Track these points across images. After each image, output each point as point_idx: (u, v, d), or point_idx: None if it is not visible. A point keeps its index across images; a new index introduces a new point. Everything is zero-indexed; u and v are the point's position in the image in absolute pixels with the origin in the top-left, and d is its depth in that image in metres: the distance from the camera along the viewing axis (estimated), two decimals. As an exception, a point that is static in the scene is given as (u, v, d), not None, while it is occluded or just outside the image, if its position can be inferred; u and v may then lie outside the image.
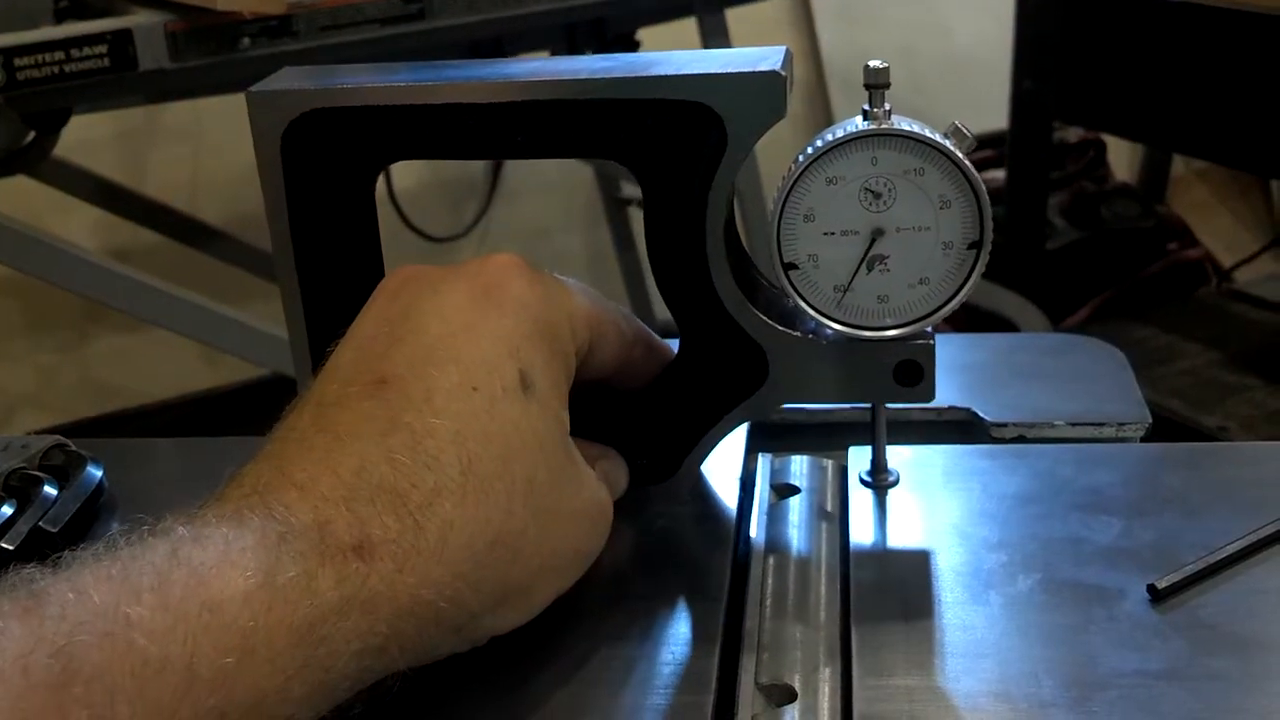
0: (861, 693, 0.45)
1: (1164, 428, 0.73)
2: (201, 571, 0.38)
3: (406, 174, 2.30)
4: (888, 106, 0.51)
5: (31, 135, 1.55)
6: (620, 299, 2.26)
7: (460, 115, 0.52)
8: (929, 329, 0.53)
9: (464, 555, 0.43)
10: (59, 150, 1.67)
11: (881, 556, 0.53)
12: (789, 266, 0.52)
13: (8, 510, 0.56)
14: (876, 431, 0.57)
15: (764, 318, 0.54)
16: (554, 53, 1.83)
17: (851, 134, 0.50)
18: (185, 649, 0.37)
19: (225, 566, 0.38)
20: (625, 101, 0.51)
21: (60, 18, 1.49)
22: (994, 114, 2.15)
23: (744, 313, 0.53)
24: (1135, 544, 0.52)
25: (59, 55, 1.36)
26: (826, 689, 0.46)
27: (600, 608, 0.50)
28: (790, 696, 0.46)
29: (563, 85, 0.51)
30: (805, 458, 0.60)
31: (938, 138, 0.50)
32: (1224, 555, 0.50)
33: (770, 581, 0.52)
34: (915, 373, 0.53)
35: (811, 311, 0.53)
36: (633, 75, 0.51)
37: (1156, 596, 0.49)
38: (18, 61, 1.34)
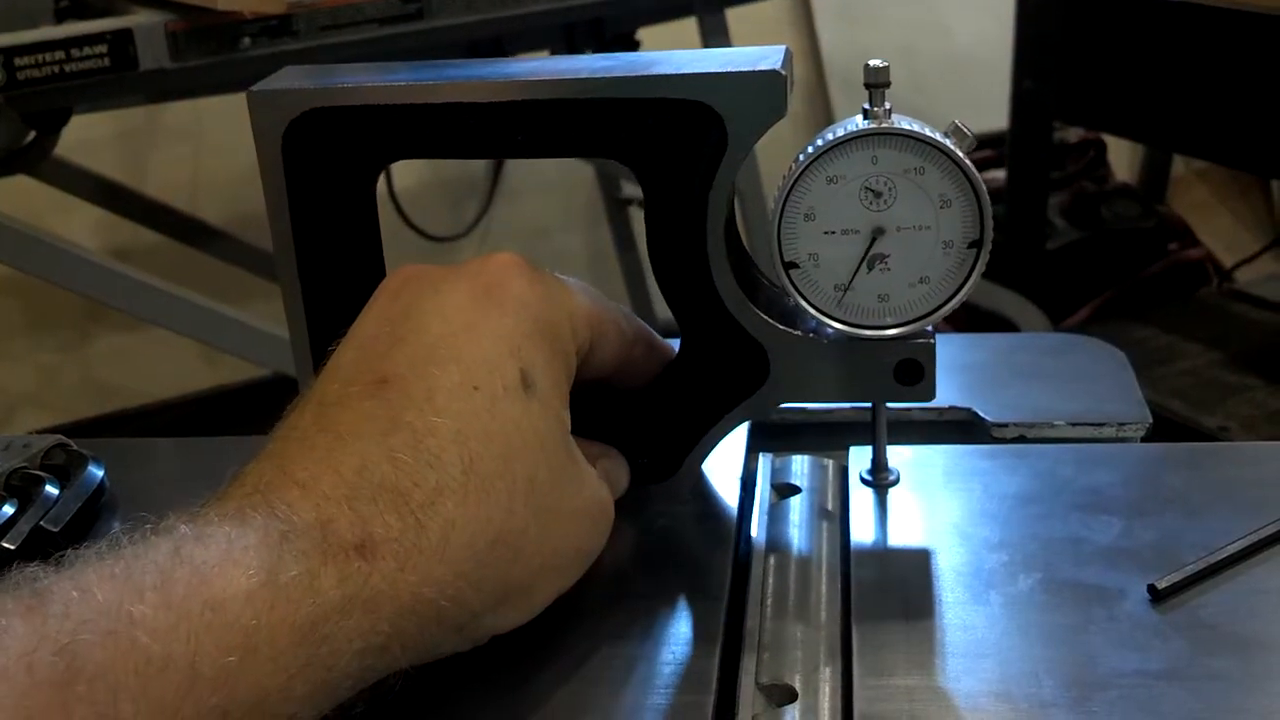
0: (862, 693, 0.45)
1: (1164, 428, 0.73)
2: (204, 570, 0.38)
3: (407, 173, 2.30)
4: (888, 106, 0.51)
5: (32, 135, 1.55)
6: (621, 298, 2.26)
7: (461, 114, 0.52)
8: (929, 328, 0.53)
9: (466, 554, 0.43)
10: (60, 150, 1.67)
11: (882, 556, 0.53)
12: (789, 265, 0.52)
13: (9, 510, 0.56)
14: (877, 431, 0.57)
15: (765, 317, 0.54)
16: (553, 52, 1.83)
17: (852, 133, 0.51)
18: (188, 647, 0.37)
19: (228, 565, 0.39)
20: (626, 101, 0.51)
21: (60, 17, 1.49)
22: (994, 114, 2.15)
23: (745, 312, 0.54)
24: (1135, 544, 0.52)
25: (59, 55, 1.36)
26: (827, 689, 0.46)
27: (601, 607, 0.50)
28: (791, 696, 0.46)
29: (563, 84, 0.51)
30: (806, 457, 0.60)
31: (938, 137, 0.51)
32: (1224, 555, 0.50)
33: (771, 581, 0.52)
34: (916, 372, 0.53)
35: (812, 310, 0.53)
36: (633, 74, 0.51)
37: (1157, 596, 0.49)
38: (18, 61, 1.34)
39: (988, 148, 2.16)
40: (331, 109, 0.53)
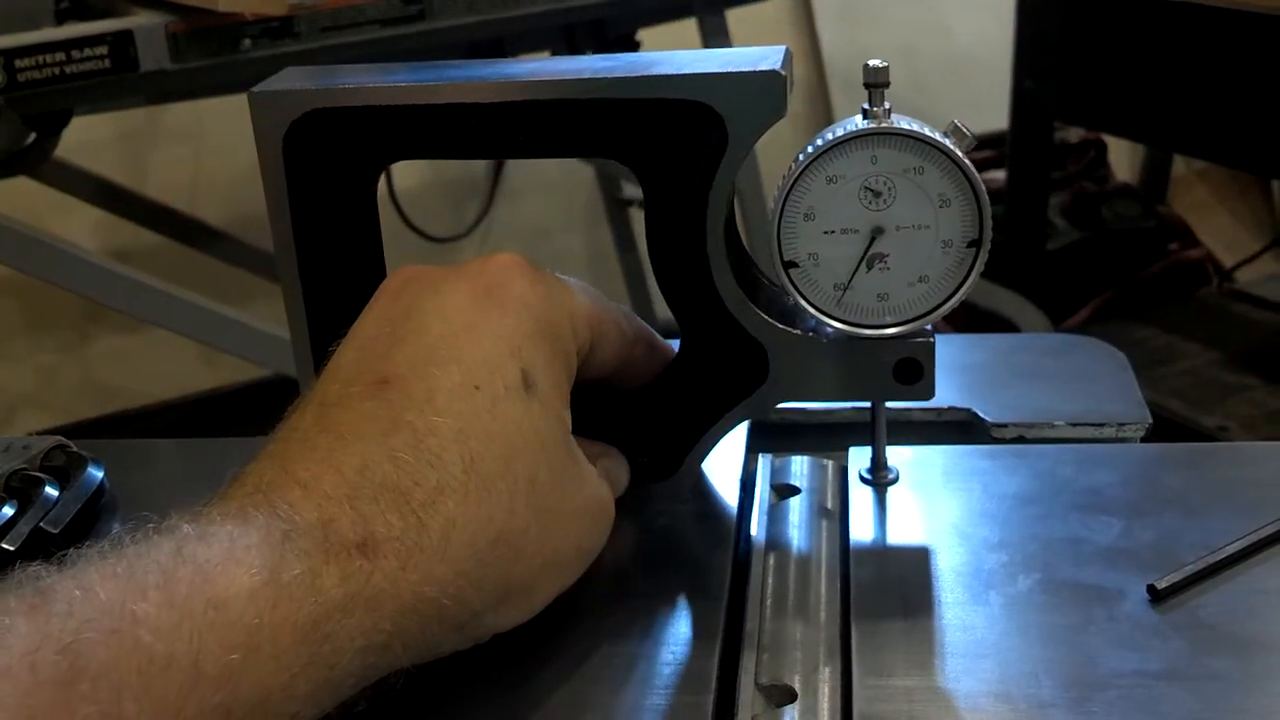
0: (861, 693, 0.45)
1: (1164, 428, 0.73)
2: (207, 569, 0.38)
3: (408, 174, 2.30)
4: (888, 105, 0.51)
5: (32, 136, 1.55)
6: (621, 299, 2.26)
7: (462, 115, 0.52)
8: (929, 327, 0.53)
9: (467, 553, 0.43)
10: (60, 151, 1.67)
11: (882, 557, 0.53)
12: (789, 265, 0.52)
13: (9, 511, 0.56)
14: (876, 430, 0.57)
15: (764, 316, 0.54)
16: (554, 53, 1.84)
17: (851, 133, 0.51)
18: (191, 646, 0.37)
19: (230, 564, 0.39)
20: (626, 101, 0.51)
21: (61, 19, 1.49)
22: (994, 114, 2.15)
23: (744, 311, 0.54)
24: (1135, 544, 0.52)
25: (60, 56, 1.36)
26: (826, 689, 0.46)
27: (601, 606, 0.50)
28: (790, 697, 0.46)
29: (564, 85, 0.51)
30: (805, 458, 0.60)
31: (937, 136, 0.51)
32: (1224, 555, 0.50)
33: (770, 581, 0.52)
34: (915, 371, 0.53)
35: (811, 310, 0.53)
36: (633, 75, 0.51)
37: (1156, 597, 0.49)
38: (19, 63, 1.34)
39: (988, 148, 2.16)
40: (333, 110, 0.53)
